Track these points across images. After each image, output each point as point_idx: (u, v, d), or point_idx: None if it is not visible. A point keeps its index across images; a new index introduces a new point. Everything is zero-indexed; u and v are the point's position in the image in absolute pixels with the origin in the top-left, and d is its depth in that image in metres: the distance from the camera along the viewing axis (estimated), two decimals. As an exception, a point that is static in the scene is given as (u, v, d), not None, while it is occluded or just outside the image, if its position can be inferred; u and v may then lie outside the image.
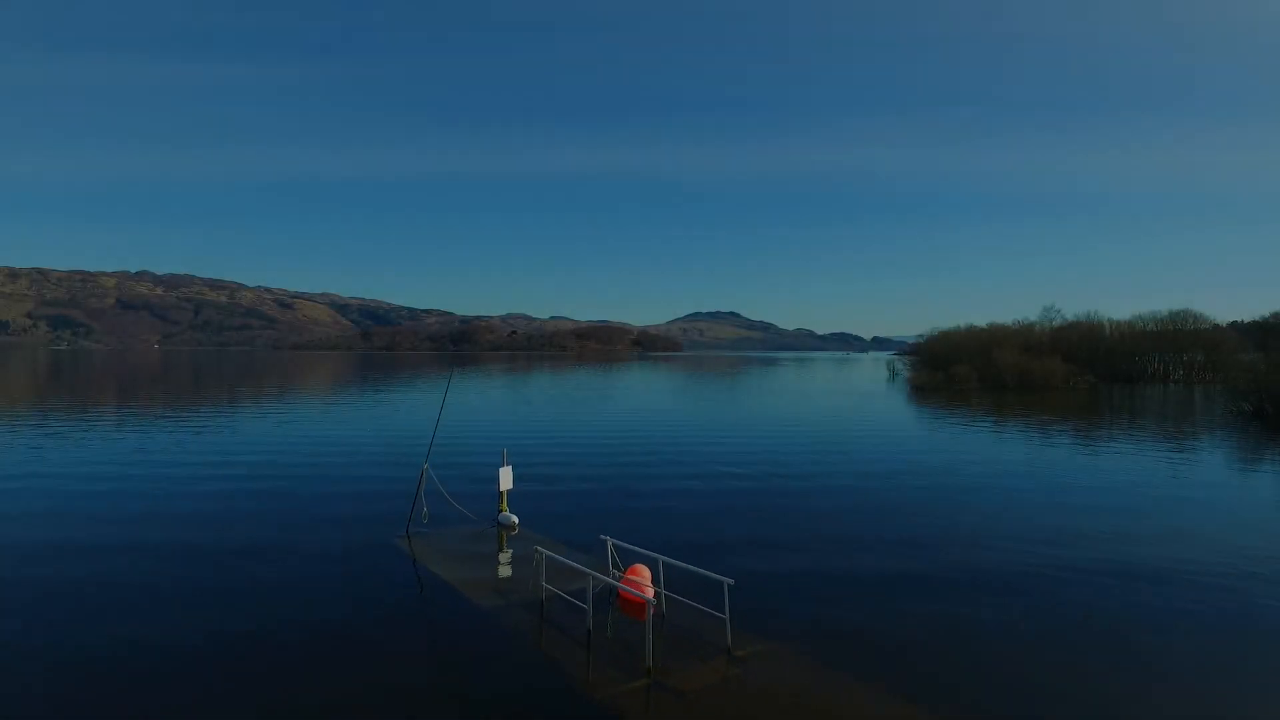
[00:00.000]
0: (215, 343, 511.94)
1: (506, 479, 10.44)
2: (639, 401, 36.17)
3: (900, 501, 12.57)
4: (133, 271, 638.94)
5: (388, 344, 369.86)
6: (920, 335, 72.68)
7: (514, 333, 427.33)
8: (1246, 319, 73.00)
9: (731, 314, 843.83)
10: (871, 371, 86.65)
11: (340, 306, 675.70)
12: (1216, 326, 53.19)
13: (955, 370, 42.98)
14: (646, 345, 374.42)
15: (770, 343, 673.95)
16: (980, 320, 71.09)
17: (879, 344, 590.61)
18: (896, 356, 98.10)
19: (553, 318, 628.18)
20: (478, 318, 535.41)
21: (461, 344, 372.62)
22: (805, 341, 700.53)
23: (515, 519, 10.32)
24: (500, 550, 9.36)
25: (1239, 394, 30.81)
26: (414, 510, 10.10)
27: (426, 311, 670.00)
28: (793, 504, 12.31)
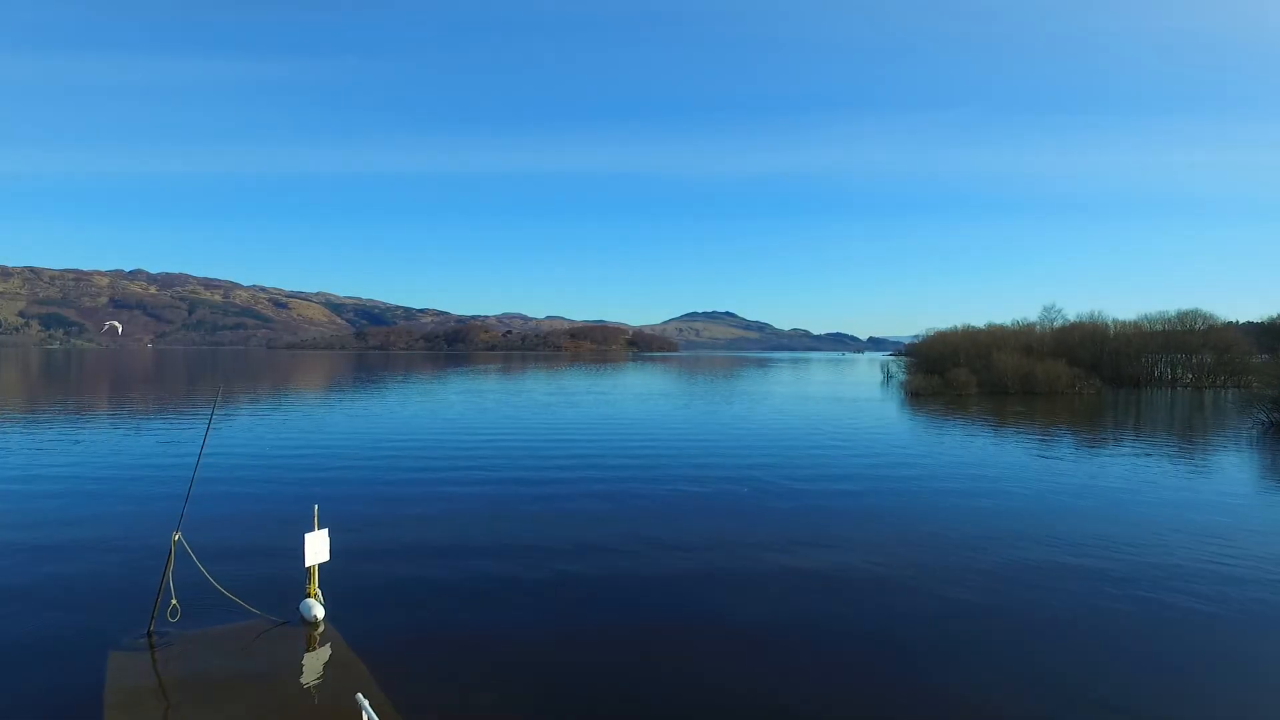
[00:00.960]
0: (209, 342, 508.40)
1: (316, 549, 7.26)
2: (604, 410, 33.09)
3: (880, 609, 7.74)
4: (127, 270, 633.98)
5: (381, 344, 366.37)
6: (916, 336, 69.87)
7: (508, 332, 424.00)
8: (1243, 320, 70.24)
9: (728, 314, 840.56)
10: (866, 373, 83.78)
11: (336, 306, 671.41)
12: (1213, 327, 50.09)
13: (953, 374, 39.79)
14: (641, 345, 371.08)
15: (766, 343, 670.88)
16: (977, 320, 68.38)
17: (875, 344, 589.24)
18: (891, 358, 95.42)
19: (549, 317, 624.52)
20: (474, 317, 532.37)
21: (456, 344, 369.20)
22: (801, 341, 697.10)
23: (320, 611, 7.19)
24: (298, 662, 6.35)
25: (1260, 403, 27.91)
26: (158, 602, 6.95)
27: (422, 311, 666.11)
28: (718, 596, 8.09)
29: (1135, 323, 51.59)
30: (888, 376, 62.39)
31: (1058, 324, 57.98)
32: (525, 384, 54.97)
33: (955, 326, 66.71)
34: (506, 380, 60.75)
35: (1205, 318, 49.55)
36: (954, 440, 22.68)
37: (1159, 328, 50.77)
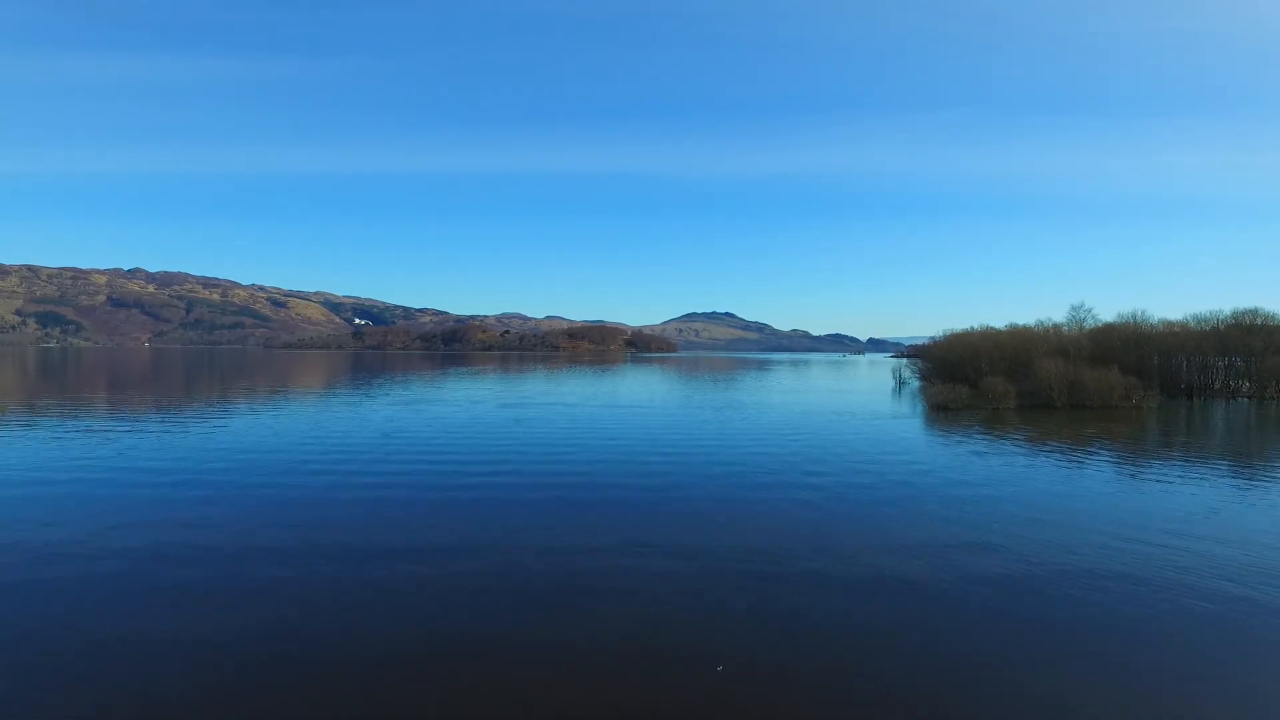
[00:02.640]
0: (207, 341, 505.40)
1: None
2: (557, 430, 27.42)
3: None
4: (125, 269, 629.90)
5: (378, 343, 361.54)
6: (931, 336, 64.15)
7: (506, 332, 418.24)
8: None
9: (727, 314, 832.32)
10: (873, 377, 78.04)
11: (334, 305, 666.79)
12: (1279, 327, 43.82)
13: (987, 384, 33.64)
14: (640, 345, 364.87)
15: (766, 343, 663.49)
16: (978, 321, 62.64)
17: (875, 345, 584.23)
18: (896, 359, 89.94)
19: (548, 317, 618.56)
20: (473, 317, 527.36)
21: (453, 343, 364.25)
22: (800, 342, 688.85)
23: None
24: None
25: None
26: None
27: (421, 310, 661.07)
28: None
29: (1183, 322, 45.63)
30: (900, 383, 56.57)
31: (1088, 325, 52.13)
32: (497, 388, 49.15)
33: (971, 327, 60.89)
34: (480, 383, 54.82)
35: (1267, 317, 43.50)
36: (1034, 485, 16.77)
37: (1207, 328, 44.75)
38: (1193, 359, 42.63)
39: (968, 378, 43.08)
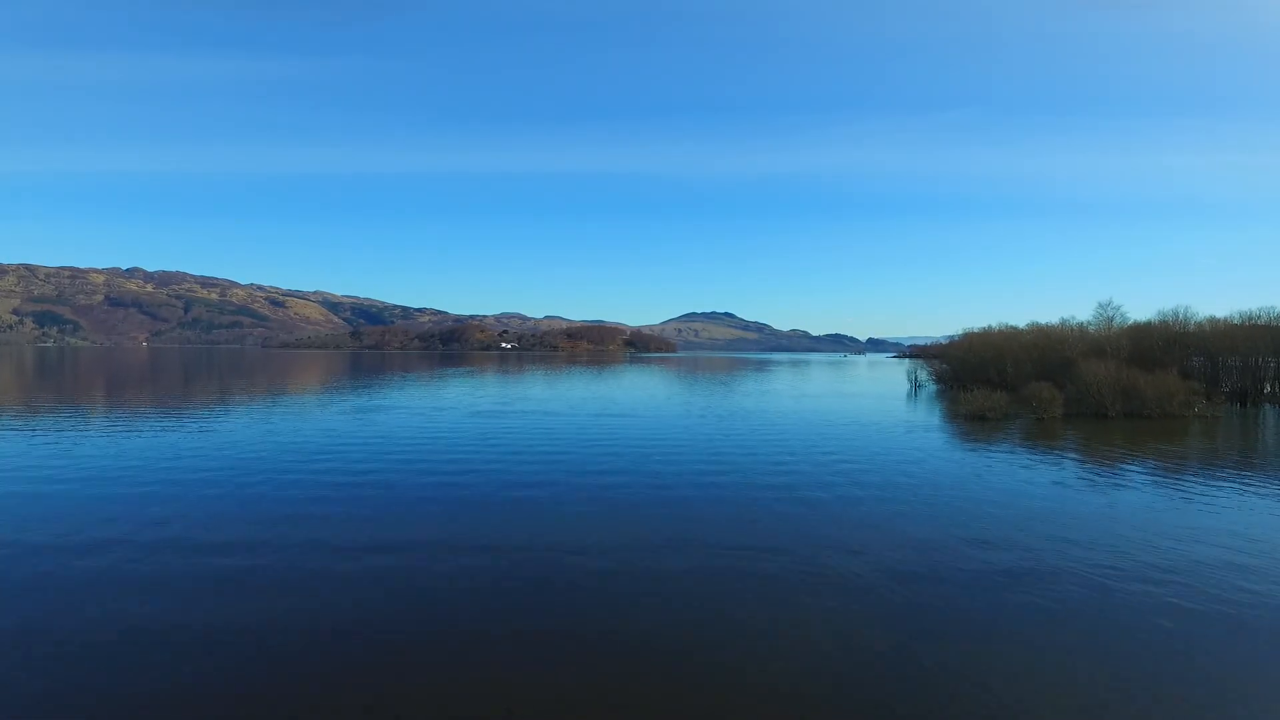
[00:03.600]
0: (205, 341, 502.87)
1: None
2: (514, 447, 23.66)
3: None
4: (124, 268, 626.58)
5: (376, 343, 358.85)
6: (948, 336, 60.49)
7: (504, 332, 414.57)
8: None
9: (727, 314, 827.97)
10: (876, 377, 74.37)
11: (333, 305, 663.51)
12: None
13: (1033, 390, 29.52)
14: (640, 345, 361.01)
15: (765, 343, 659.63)
16: (979, 321, 58.81)
17: (874, 345, 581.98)
18: (898, 359, 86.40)
19: (547, 317, 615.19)
20: (472, 317, 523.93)
21: (451, 343, 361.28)
22: (800, 342, 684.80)
23: None
24: None
25: None
26: None
27: (420, 310, 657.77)
28: None
29: (1227, 320, 41.65)
30: (915, 386, 52.71)
31: (1117, 323, 48.35)
32: (480, 390, 45.26)
33: (989, 326, 57.13)
34: (468, 385, 50.91)
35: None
36: (1174, 530, 12.86)
37: (1261, 327, 40.68)
38: (1247, 361, 38.68)
39: (992, 380, 39.30)
